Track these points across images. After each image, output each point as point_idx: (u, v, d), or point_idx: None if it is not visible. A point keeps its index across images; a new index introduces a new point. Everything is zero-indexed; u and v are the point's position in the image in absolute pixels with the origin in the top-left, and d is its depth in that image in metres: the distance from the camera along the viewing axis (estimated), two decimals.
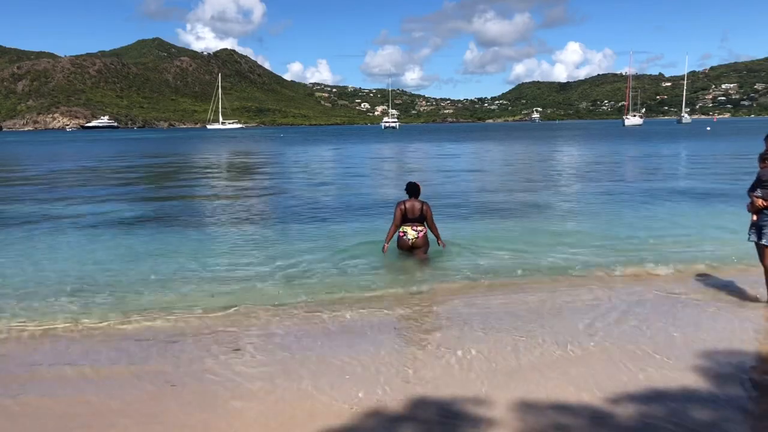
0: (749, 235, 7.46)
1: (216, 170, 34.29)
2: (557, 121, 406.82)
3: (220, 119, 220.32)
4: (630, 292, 8.15)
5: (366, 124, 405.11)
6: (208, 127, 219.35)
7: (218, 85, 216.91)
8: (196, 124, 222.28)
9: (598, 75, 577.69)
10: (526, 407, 4.87)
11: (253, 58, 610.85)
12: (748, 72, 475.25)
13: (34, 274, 9.43)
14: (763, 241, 7.28)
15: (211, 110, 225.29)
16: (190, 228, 13.73)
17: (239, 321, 7.09)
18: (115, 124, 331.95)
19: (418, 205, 9.69)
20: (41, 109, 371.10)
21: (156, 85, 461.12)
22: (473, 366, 5.73)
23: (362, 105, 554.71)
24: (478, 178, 26.43)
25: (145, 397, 5.08)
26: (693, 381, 5.30)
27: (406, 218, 9.71)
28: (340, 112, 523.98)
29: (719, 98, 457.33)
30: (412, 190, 9.81)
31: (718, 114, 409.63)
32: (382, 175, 29.41)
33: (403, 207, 9.67)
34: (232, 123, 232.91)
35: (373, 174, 29.67)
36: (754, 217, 7.36)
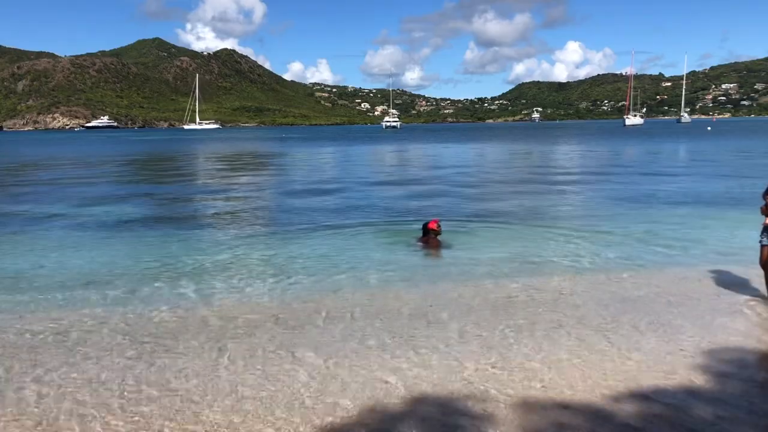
0: (761, 238, 7.42)
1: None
2: (557, 121, 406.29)
3: (197, 119, 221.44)
4: (631, 291, 8.28)
5: (366, 123, 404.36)
6: (185, 127, 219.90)
7: (195, 86, 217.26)
8: (199, 123, 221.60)
9: (598, 75, 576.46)
10: (528, 403, 4.90)
11: (253, 58, 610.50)
12: (748, 72, 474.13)
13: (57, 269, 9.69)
14: (764, 241, 7.36)
15: (189, 110, 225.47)
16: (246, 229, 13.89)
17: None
18: (115, 124, 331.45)
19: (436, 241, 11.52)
20: (41, 109, 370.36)
21: (156, 85, 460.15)
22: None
23: (362, 105, 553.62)
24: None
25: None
26: (694, 379, 5.31)
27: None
28: (340, 111, 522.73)
29: (719, 98, 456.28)
30: (438, 233, 11.53)
31: (718, 114, 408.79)
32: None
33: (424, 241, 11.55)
34: (209, 123, 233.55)
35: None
36: (767, 221, 7.29)
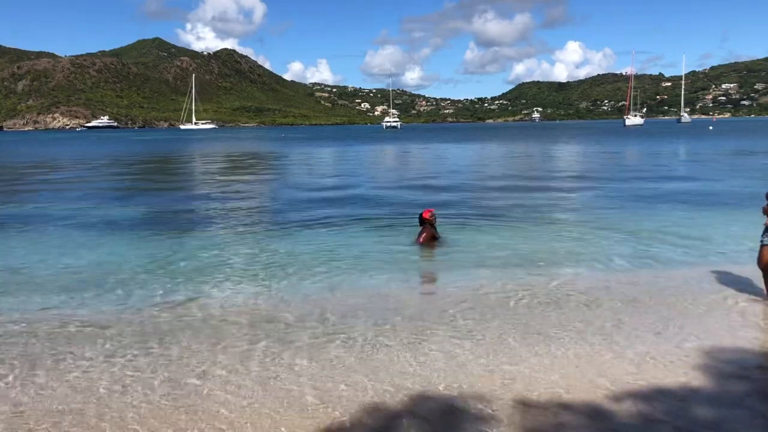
0: (762, 238, 7.40)
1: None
2: (557, 121, 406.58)
3: (193, 119, 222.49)
4: (631, 290, 8.27)
5: (366, 123, 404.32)
6: (182, 127, 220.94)
7: (192, 87, 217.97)
8: (196, 123, 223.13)
9: (598, 75, 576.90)
10: (528, 403, 4.90)
11: (253, 58, 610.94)
12: (748, 72, 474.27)
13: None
14: (765, 241, 7.33)
15: (185, 110, 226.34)
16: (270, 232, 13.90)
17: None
18: (115, 123, 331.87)
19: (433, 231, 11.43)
20: (41, 109, 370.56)
21: (156, 84, 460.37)
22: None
23: (362, 105, 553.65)
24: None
25: None
26: (694, 379, 5.32)
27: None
28: (340, 111, 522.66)
29: (719, 98, 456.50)
30: (432, 222, 11.49)
31: (718, 114, 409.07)
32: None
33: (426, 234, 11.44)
34: (206, 123, 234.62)
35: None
36: None
